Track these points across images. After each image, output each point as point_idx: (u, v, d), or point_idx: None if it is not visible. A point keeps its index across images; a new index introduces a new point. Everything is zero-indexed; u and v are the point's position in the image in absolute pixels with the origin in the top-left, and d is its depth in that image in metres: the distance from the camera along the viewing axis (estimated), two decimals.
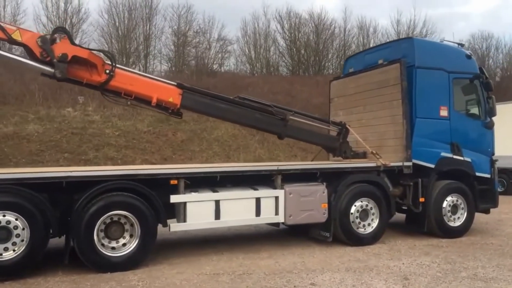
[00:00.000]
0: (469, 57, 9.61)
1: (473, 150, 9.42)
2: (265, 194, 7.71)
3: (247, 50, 33.32)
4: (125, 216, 6.72)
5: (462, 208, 9.23)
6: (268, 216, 7.74)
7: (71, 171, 6.60)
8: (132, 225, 6.76)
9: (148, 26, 30.39)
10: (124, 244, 6.74)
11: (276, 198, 7.75)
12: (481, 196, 9.53)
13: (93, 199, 6.49)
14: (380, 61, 9.48)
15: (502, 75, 38.53)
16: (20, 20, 27.87)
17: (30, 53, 7.18)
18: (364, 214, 8.41)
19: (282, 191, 7.78)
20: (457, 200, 9.18)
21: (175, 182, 7.10)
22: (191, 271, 6.59)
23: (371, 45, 35.80)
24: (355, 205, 8.32)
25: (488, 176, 9.59)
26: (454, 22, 54.54)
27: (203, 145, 21.30)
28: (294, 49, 33.72)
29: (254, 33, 33.35)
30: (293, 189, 7.86)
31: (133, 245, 6.73)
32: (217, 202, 7.31)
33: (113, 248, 6.68)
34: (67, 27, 29.06)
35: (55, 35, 7.32)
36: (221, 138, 21.94)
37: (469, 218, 9.32)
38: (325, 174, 8.33)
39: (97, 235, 6.53)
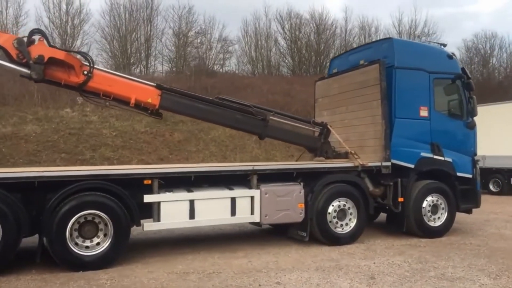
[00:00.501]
0: (450, 57, 9.61)
1: (454, 150, 9.42)
2: (241, 194, 7.78)
3: (248, 51, 33.44)
4: (99, 216, 6.82)
5: (443, 208, 9.23)
6: (244, 215, 7.81)
7: (43, 171, 6.72)
8: (106, 224, 6.85)
9: (149, 27, 30.61)
10: (98, 243, 6.83)
11: (252, 198, 7.82)
12: (463, 196, 9.52)
13: (65, 199, 6.58)
14: (361, 62, 9.52)
15: (505, 74, 38.25)
16: (22, 22, 28.23)
17: (7, 55, 7.32)
18: (342, 214, 8.44)
19: (258, 191, 7.84)
20: (437, 200, 9.18)
21: (149, 182, 7.20)
22: (163, 270, 6.67)
23: None
24: (332, 205, 8.36)
25: (469, 176, 9.59)
26: (462, 21, 54.24)
27: (200, 145, 21.42)
28: (295, 49, 33.76)
29: (255, 34, 33.49)
30: (269, 189, 7.92)
31: (106, 244, 6.82)
32: (191, 202, 7.39)
33: (87, 247, 6.77)
34: (68, 29, 29.51)
35: (34, 37, 7.46)
36: (218, 138, 22.05)
37: (450, 218, 9.32)
38: (304, 174, 8.38)
39: (70, 235, 6.62)
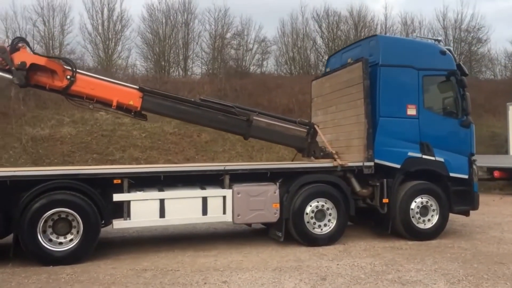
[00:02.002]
0: (443, 53, 9.22)
1: (447, 149, 9.04)
2: (212, 193, 7.89)
3: (285, 51, 33.33)
4: (72, 214, 7.17)
5: (433, 210, 8.88)
6: (216, 215, 7.91)
7: (15, 171, 7.16)
8: (79, 222, 7.20)
9: (186, 31, 31.26)
10: (71, 240, 7.20)
11: (224, 197, 7.91)
12: (458, 198, 9.14)
13: (36, 197, 6.98)
14: (349, 60, 9.36)
15: None
16: (68, 30, 29.59)
17: None
18: (320, 214, 8.36)
19: (230, 190, 7.92)
20: (427, 202, 8.85)
21: (119, 181, 7.47)
22: (126, 267, 6.91)
23: None
24: (310, 205, 8.28)
25: (465, 176, 9.16)
26: None
27: (227, 145, 21.66)
28: (334, 48, 33.30)
29: (292, 33, 33.33)
30: (241, 188, 7.98)
31: (75, 241, 7.16)
32: (161, 201, 7.59)
33: (60, 243, 7.16)
34: (110, 34, 30.72)
35: (19, 44, 7.93)
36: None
37: (442, 220, 8.95)
38: (279, 174, 8.37)
39: (44, 231, 7.03)
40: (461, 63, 9.63)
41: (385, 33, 34.72)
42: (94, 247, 7.31)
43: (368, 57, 8.97)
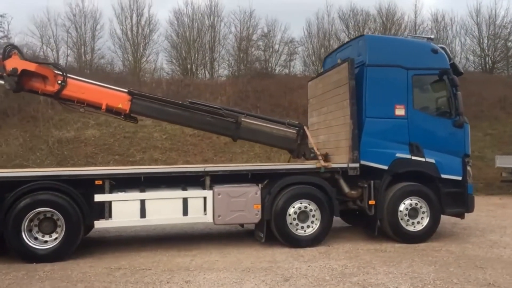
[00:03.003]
0: (435, 51, 8.98)
1: (439, 150, 8.81)
2: (193, 194, 8.02)
3: (312, 51, 33.15)
4: (56, 213, 7.48)
5: (423, 212, 8.67)
6: (196, 215, 8.03)
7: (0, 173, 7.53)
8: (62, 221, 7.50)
9: (212, 34, 31.62)
10: (56, 239, 7.51)
11: (204, 198, 8.02)
12: (452, 200, 8.88)
13: (20, 197, 7.32)
14: (339, 61, 9.29)
15: None
16: (98, 35, 30.54)
17: None
18: (304, 216, 8.34)
19: (210, 191, 8.03)
20: (416, 204, 8.66)
21: (100, 182, 7.71)
22: (103, 265, 7.13)
23: (447, 39, 33.93)
24: (293, 207, 8.28)
25: (458, 178, 8.89)
26: None
27: (245, 147, 21.76)
28: None
29: (318, 33, 33.10)
30: (222, 189, 8.07)
31: (58, 239, 7.46)
32: (142, 202, 7.79)
33: (46, 241, 7.49)
34: (138, 39, 31.46)
35: (12, 51, 8.32)
36: None
37: (433, 223, 8.70)
38: (265, 175, 8.41)
39: (30, 229, 7.38)
40: (455, 61, 9.33)
41: (415, 32, 34.04)
42: (76, 245, 7.56)
43: (357, 57, 8.90)
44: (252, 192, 8.18)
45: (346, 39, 33.66)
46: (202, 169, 8.17)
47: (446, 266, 6.95)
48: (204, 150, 21.40)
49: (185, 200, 7.95)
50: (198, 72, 31.54)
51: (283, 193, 8.29)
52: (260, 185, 8.30)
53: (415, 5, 38.56)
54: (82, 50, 30.82)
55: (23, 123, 22.20)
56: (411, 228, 8.64)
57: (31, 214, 7.34)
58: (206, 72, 31.92)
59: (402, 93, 8.73)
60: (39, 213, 7.43)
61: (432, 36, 9.14)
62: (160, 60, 31.46)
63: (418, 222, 8.67)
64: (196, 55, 31.64)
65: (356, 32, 32.95)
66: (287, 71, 32.38)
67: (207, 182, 8.09)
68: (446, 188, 8.84)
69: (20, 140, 21.16)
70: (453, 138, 8.95)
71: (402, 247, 8.26)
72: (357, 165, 8.48)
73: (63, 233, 7.45)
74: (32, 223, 7.44)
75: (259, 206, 8.18)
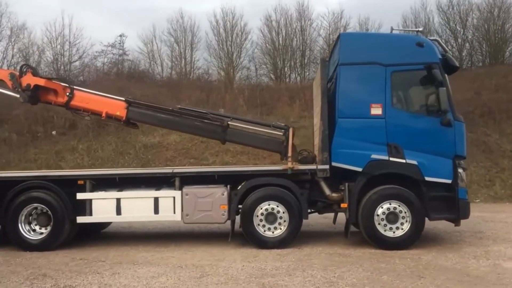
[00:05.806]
0: (420, 45, 8.30)
1: (423, 151, 8.16)
2: (163, 194, 8.56)
3: None
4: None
5: (403, 217, 8.12)
6: (166, 214, 8.56)
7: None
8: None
9: (302, 38, 31.87)
10: (47, 231, 8.65)
11: (174, 198, 8.51)
12: (440, 205, 8.18)
13: (18, 194, 8.58)
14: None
15: None
16: (196, 46, 32.77)
17: (6, 86, 9.74)
18: (272, 217, 8.38)
19: (179, 192, 8.50)
20: (395, 208, 8.14)
21: (82, 182, 8.65)
22: (72, 256, 8.04)
23: None
24: (260, 208, 8.38)
25: (447, 181, 8.15)
26: None
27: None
28: (463, 41, 30.43)
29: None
30: (190, 190, 8.49)
31: (47, 231, 8.57)
32: (118, 200, 8.56)
33: (41, 233, 8.67)
34: (232, 48, 32.93)
35: (26, 69, 9.70)
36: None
37: (415, 229, 8.07)
38: (228, 177, 8.66)
39: (29, 222, 8.64)
40: (448, 55, 8.54)
41: None
42: (62, 238, 8.60)
43: (337, 56, 8.70)
44: (219, 193, 8.47)
45: (448, 33, 31.50)
46: (170, 171, 8.69)
47: (394, 275, 6.40)
48: (273, 154, 21.68)
49: (156, 200, 8.53)
50: (287, 76, 32.05)
51: (251, 194, 8.43)
52: (228, 186, 8.54)
53: None
54: (183, 62, 33.22)
55: (118, 130, 24.67)
56: (389, 234, 8.14)
57: (27, 209, 8.56)
58: (297, 76, 32.30)
59: (379, 91, 8.29)
60: (36, 208, 8.62)
61: (421, 29, 8.50)
62: (252, 67, 32.27)
63: (398, 228, 8.15)
64: (289, 60, 32.19)
65: (456, 25, 30.63)
66: None
67: (177, 183, 8.57)
68: (432, 192, 8.16)
69: (113, 145, 23.65)
70: (440, 138, 8.21)
71: (372, 253, 7.84)
72: (326, 167, 8.28)
73: (50, 226, 8.54)
74: (31, 217, 8.67)
75: (226, 207, 8.43)
